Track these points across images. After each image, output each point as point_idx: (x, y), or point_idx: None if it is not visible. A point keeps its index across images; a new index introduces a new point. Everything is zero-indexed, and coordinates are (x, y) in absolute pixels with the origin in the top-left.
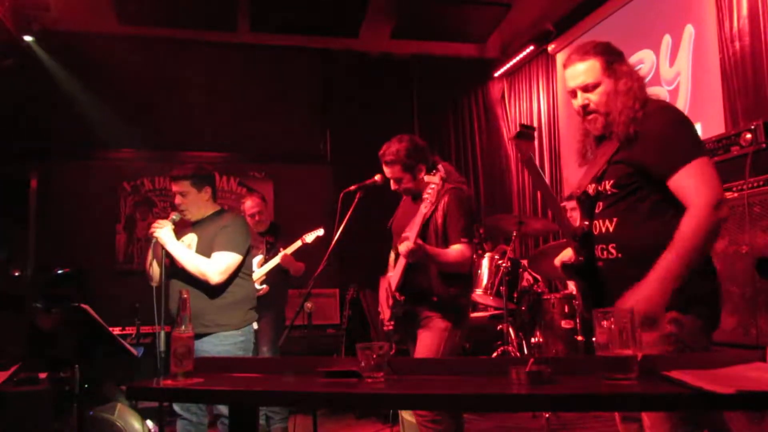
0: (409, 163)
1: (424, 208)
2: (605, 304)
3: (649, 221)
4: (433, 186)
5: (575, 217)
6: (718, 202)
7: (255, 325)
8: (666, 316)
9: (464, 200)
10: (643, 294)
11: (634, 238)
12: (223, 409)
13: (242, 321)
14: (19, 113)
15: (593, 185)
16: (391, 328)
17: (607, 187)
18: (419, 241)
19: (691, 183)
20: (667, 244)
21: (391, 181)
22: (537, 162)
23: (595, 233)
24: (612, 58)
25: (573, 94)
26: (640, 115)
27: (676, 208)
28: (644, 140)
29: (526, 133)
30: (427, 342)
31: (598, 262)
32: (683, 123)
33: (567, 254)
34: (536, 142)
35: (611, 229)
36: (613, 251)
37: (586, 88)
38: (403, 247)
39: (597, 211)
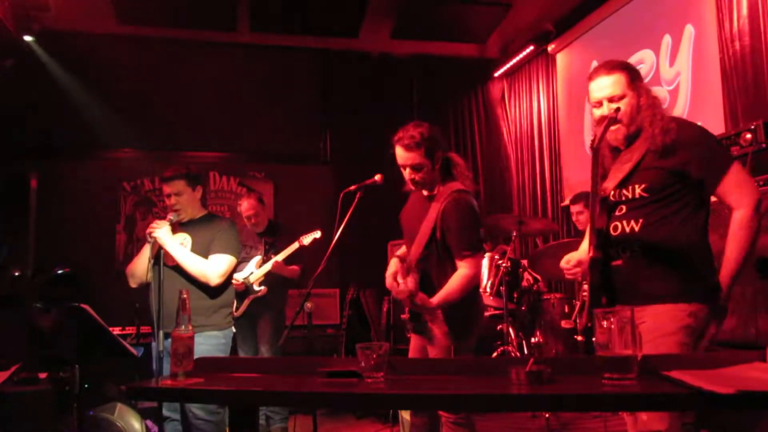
0: (431, 147)
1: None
2: (617, 301)
3: (680, 223)
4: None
5: (581, 220)
6: (758, 201)
7: (233, 329)
8: (686, 309)
9: (465, 209)
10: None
11: (662, 238)
12: (197, 411)
13: (226, 323)
14: (19, 113)
15: (618, 190)
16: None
17: (637, 191)
18: (419, 300)
19: (734, 189)
20: (697, 245)
21: (407, 171)
22: (536, 162)
23: (615, 234)
24: (634, 75)
25: (598, 104)
26: (673, 125)
27: (707, 211)
28: (685, 150)
29: None
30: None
31: (614, 261)
32: (711, 135)
33: (576, 256)
34: (536, 142)
35: (636, 229)
36: (637, 249)
37: (612, 99)
38: (403, 295)
39: (618, 213)
